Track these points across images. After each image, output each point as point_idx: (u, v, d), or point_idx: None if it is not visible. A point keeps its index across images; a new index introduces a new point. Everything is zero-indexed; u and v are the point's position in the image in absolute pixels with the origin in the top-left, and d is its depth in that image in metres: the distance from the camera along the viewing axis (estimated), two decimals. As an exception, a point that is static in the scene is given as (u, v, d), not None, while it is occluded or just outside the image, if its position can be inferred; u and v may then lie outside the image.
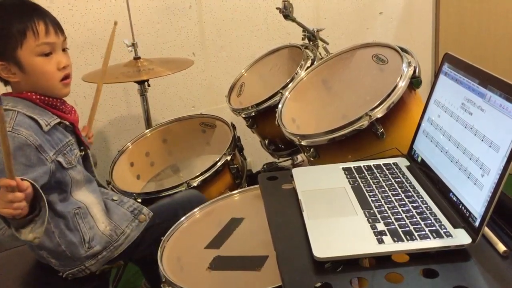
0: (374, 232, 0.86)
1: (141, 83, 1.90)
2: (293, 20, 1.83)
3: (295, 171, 1.12)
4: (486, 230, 0.85)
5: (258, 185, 1.17)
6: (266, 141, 1.75)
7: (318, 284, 0.78)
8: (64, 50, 1.27)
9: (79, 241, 1.29)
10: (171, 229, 1.26)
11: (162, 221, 1.39)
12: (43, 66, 1.22)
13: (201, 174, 1.55)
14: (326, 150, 1.32)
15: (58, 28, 1.24)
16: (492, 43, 2.48)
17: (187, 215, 1.32)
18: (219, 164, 1.57)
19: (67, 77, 1.27)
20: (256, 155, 2.31)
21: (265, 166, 1.90)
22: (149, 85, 1.96)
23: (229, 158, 1.60)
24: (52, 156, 1.22)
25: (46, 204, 1.08)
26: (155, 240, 1.25)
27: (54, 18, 1.24)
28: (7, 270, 1.42)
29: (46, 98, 1.26)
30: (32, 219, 1.08)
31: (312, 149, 1.32)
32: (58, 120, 1.27)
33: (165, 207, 1.46)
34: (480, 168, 0.84)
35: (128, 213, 1.39)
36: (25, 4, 1.23)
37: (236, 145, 1.69)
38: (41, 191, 1.07)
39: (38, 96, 1.24)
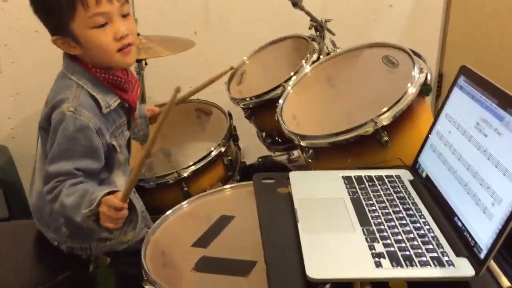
0: (372, 254, 0.81)
1: (138, 61, 1.83)
2: (302, 8, 1.75)
3: (292, 175, 1.07)
4: (490, 261, 0.81)
5: (251, 181, 1.12)
6: (263, 134, 1.69)
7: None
8: (124, 16, 1.14)
9: None
10: (157, 222, 1.21)
11: None
12: (98, 38, 1.11)
13: (193, 165, 1.49)
14: (325, 153, 1.27)
15: None
16: (501, 47, 2.41)
17: (174, 208, 1.26)
18: (212, 155, 1.51)
19: (125, 46, 1.14)
20: (252, 143, 2.25)
21: (260, 160, 1.85)
22: (146, 64, 1.88)
23: (223, 149, 1.54)
24: (108, 139, 1.18)
25: (138, 212, 1.08)
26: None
27: None
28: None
29: (110, 77, 1.17)
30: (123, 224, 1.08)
31: (311, 151, 1.27)
32: (119, 101, 1.20)
33: None
34: (491, 196, 0.79)
35: (139, 213, 1.33)
36: None
37: (231, 135, 1.63)
38: (133, 201, 1.06)
39: (103, 75, 1.16)
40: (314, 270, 0.77)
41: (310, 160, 1.29)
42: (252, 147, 2.22)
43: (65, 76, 1.17)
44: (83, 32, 1.10)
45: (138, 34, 1.81)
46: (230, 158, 1.57)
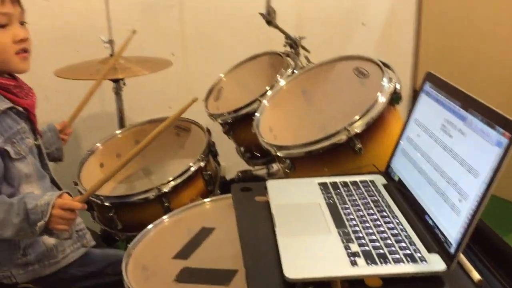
0: (347, 253, 0.83)
1: (115, 81, 1.85)
2: (276, 26, 1.81)
3: (269, 184, 1.09)
4: (461, 256, 0.84)
5: (230, 194, 1.14)
6: (242, 149, 1.71)
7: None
8: (22, 23, 1.18)
9: (14, 245, 1.20)
10: (137, 236, 1.21)
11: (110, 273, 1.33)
12: None
13: (173, 180, 1.50)
14: (302, 162, 1.29)
15: None
16: (473, 60, 2.49)
17: (155, 222, 1.27)
18: (192, 170, 1.53)
19: (25, 51, 1.18)
20: (231, 160, 2.27)
21: (239, 174, 1.87)
22: (124, 84, 1.90)
23: (202, 164, 1.55)
24: (0, 144, 1.15)
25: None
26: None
27: None
28: None
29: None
30: None
31: (288, 161, 1.30)
32: (10, 105, 1.18)
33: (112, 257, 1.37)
34: (458, 193, 0.83)
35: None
36: None
37: (210, 151, 1.65)
38: None
39: None
40: (292, 270, 0.78)
41: (287, 171, 1.32)
42: (233, 164, 2.24)
43: None
44: None
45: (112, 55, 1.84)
46: (209, 173, 1.59)
